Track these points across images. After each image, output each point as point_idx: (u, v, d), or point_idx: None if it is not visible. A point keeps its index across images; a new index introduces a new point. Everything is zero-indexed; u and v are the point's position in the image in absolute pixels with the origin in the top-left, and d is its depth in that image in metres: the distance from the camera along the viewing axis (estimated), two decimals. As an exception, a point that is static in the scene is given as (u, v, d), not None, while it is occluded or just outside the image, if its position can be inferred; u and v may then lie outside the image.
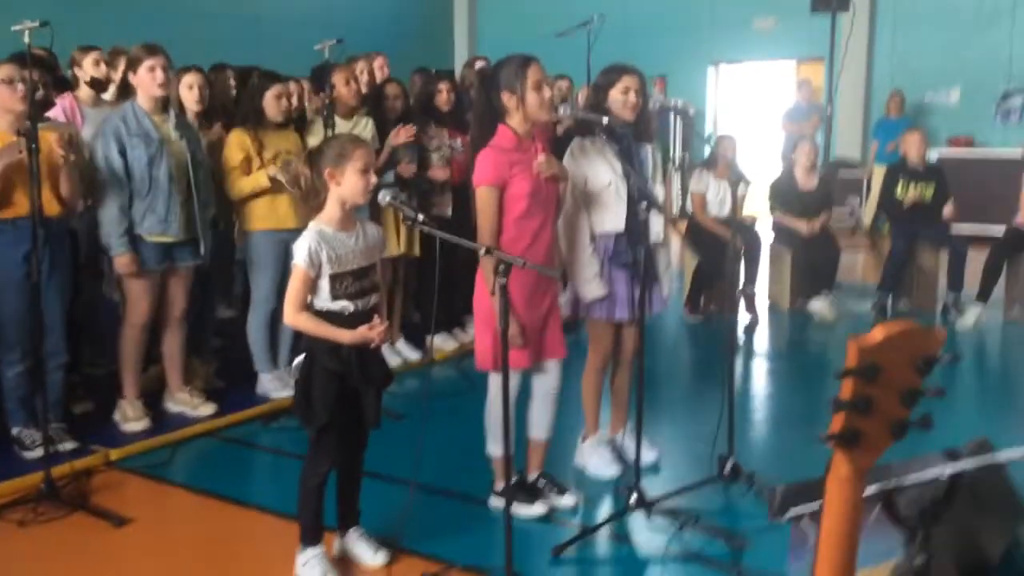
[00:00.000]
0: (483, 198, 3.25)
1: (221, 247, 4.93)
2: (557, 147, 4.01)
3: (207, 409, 4.58)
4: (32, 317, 3.80)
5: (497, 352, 2.99)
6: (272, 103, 4.66)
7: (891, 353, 1.16)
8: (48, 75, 4.47)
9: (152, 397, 4.60)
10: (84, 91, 4.98)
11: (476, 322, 3.43)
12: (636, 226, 3.57)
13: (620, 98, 3.67)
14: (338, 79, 5.06)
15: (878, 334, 1.17)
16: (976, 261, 6.71)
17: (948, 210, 6.65)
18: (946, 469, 1.61)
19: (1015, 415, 4.92)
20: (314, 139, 4.76)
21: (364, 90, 5.59)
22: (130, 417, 4.38)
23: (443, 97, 5.62)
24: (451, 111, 5.64)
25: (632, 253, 3.63)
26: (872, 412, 1.18)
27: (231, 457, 4.31)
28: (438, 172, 5.49)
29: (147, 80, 4.18)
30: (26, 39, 3.69)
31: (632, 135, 3.68)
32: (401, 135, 5.13)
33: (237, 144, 4.62)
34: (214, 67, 5.62)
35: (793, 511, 1.77)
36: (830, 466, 1.24)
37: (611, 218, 3.68)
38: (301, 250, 2.86)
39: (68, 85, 5.06)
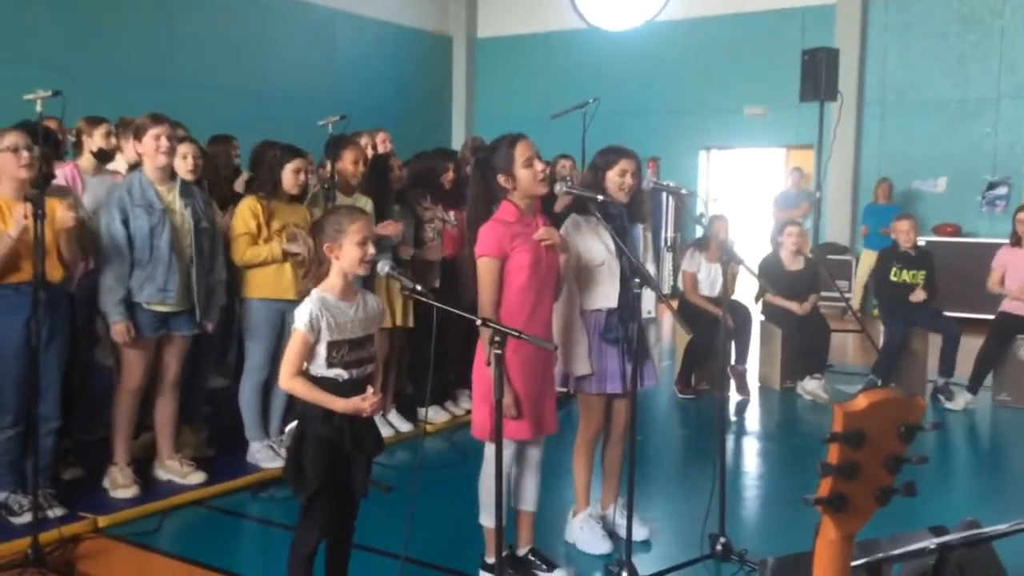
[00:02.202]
0: (484, 269, 3.30)
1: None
2: (555, 223, 4.10)
3: (197, 477, 4.56)
4: (28, 381, 3.81)
5: (495, 422, 3.01)
6: (290, 176, 4.76)
7: (875, 420, 1.21)
8: (52, 150, 4.57)
9: (142, 464, 4.58)
10: (86, 160, 5.07)
11: (475, 392, 3.45)
12: (628, 302, 3.63)
13: (617, 180, 3.78)
14: (348, 156, 5.19)
15: (863, 401, 1.21)
16: (965, 346, 6.79)
17: (919, 295, 6.77)
18: (931, 542, 1.64)
19: (1004, 496, 4.94)
20: (317, 212, 4.85)
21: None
22: (119, 484, 4.36)
23: (449, 176, 5.74)
24: (451, 188, 5.76)
25: (624, 329, 3.69)
26: (858, 477, 1.22)
27: (220, 526, 4.28)
28: (433, 252, 5.56)
29: (152, 148, 4.27)
30: (38, 108, 3.81)
31: (625, 215, 3.78)
32: (389, 228, 5.19)
33: (249, 211, 4.71)
34: (216, 138, 5.73)
35: (784, 583, 1.80)
36: (818, 530, 1.27)
37: (604, 295, 3.74)
38: (303, 315, 2.90)
39: (65, 154, 5.16)
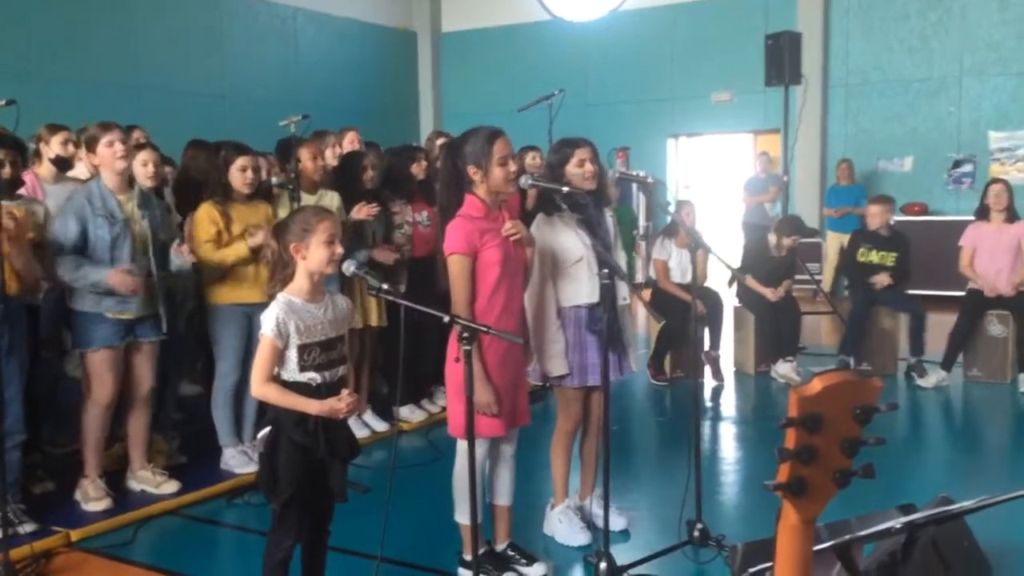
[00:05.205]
0: (455, 267, 3.28)
1: (184, 323, 4.93)
2: (526, 220, 4.07)
3: (170, 487, 4.51)
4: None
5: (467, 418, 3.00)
6: (237, 176, 4.68)
7: (831, 403, 1.21)
8: (18, 154, 4.50)
9: (114, 475, 4.52)
10: (45, 168, 5.00)
11: (448, 390, 3.44)
12: (604, 293, 3.61)
13: (578, 172, 3.75)
14: (304, 154, 5.14)
15: (817, 385, 1.21)
16: (935, 323, 6.85)
17: (882, 279, 6.82)
18: (897, 521, 1.64)
19: (978, 472, 5.00)
20: (282, 212, 4.80)
21: (335, 162, 5.68)
22: (91, 496, 4.30)
23: (420, 166, 5.71)
24: (423, 181, 5.72)
25: (604, 319, 3.67)
26: (816, 461, 1.22)
27: (195, 535, 4.24)
28: (382, 255, 5.45)
29: (108, 156, 4.19)
30: (-8, 117, 3.74)
31: (593, 203, 3.76)
32: (363, 212, 5.16)
33: (207, 218, 4.64)
34: (194, 143, 5.63)
35: (754, 568, 1.80)
36: (780, 516, 1.27)
37: (585, 290, 3.72)
38: (269, 320, 2.86)
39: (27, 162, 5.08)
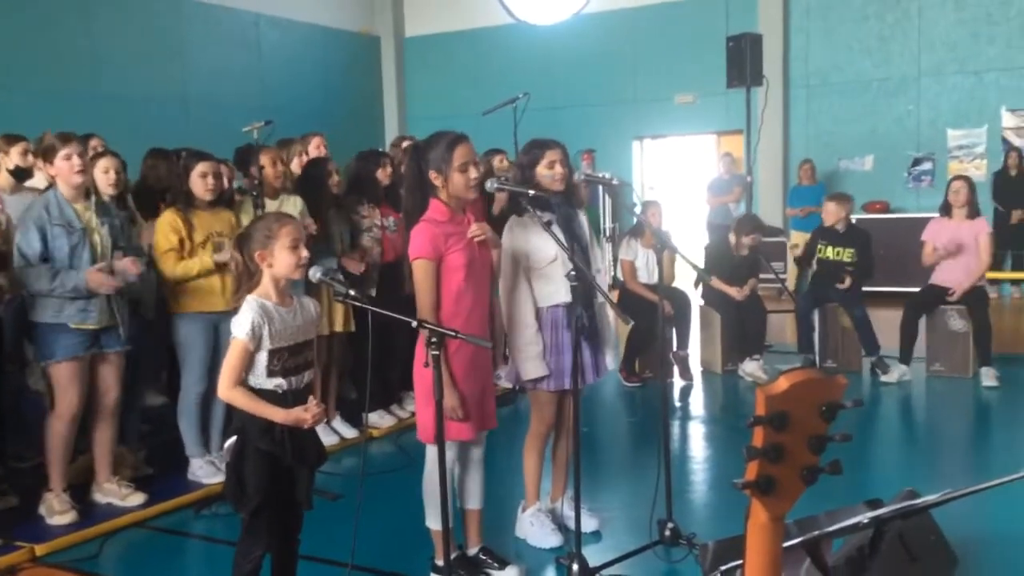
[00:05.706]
0: (420, 272, 3.26)
1: (147, 333, 4.86)
2: (492, 223, 4.06)
3: (136, 499, 4.44)
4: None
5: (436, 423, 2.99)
6: (199, 182, 4.63)
7: (797, 401, 1.22)
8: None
9: (79, 488, 4.45)
10: (4, 178, 4.92)
11: (417, 395, 3.42)
12: (576, 292, 3.61)
13: (548, 173, 3.75)
14: (265, 160, 5.10)
15: (783, 383, 1.22)
16: (896, 319, 6.94)
17: (844, 282, 6.93)
18: (864, 516, 1.66)
19: (943, 465, 5.07)
20: (245, 219, 4.76)
21: (299, 170, 5.64)
22: (56, 510, 4.23)
23: (385, 172, 5.69)
24: (389, 187, 5.70)
25: (582, 319, 3.68)
26: (783, 459, 1.23)
27: (162, 547, 4.18)
28: (351, 264, 5.40)
29: (65, 169, 4.13)
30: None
31: (563, 203, 3.76)
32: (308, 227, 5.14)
33: (168, 226, 4.59)
34: (153, 152, 5.56)
35: (725, 566, 1.81)
36: (749, 514, 1.28)
37: (562, 289, 3.69)
38: (243, 323, 2.83)
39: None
